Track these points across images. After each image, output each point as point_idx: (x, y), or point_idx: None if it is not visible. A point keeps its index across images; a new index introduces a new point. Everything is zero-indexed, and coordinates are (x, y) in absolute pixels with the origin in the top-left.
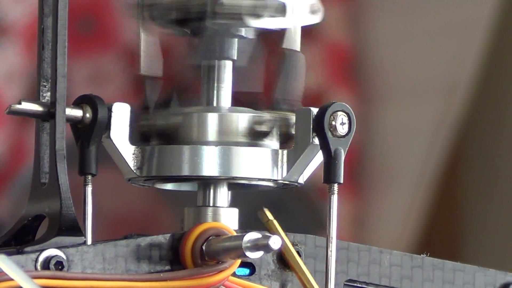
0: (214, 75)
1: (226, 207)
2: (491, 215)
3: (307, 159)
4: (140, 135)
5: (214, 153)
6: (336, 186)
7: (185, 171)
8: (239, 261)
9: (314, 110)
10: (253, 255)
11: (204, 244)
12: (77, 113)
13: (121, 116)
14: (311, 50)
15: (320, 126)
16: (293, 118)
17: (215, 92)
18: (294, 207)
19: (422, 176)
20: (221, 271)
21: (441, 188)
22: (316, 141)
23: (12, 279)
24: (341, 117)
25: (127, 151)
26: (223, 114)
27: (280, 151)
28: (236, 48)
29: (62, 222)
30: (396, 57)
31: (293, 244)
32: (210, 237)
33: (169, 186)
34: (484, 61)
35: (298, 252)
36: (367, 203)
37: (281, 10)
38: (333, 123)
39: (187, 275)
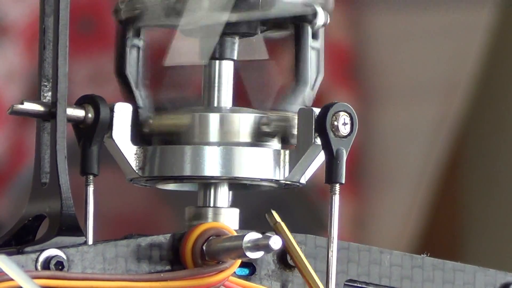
0: (214, 75)
1: (227, 207)
2: (491, 215)
3: (309, 159)
4: (142, 135)
5: (215, 153)
6: (338, 186)
7: (187, 171)
8: (239, 261)
9: (316, 110)
10: (254, 255)
11: (205, 244)
12: (79, 113)
13: (123, 116)
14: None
15: (322, 126)
16: (295, 118)
17: (216, 92)
18: (295, 207)
19: (422, 176)
20: (221, 271)
21: (441, 188)
22: (318, 141)
23: (12, 279)
24: (343, 117)
25: (129, 151)
26: (225, 114)
27: (282, 151)
28: (236, 47)
29: (62, 222)
30: (396, 57)
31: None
32: (211, 237)
33: (170, 187)
34: (484, 61)
35: None
36: (367, 203)
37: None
38: (335, 123)
39: (187, 275)
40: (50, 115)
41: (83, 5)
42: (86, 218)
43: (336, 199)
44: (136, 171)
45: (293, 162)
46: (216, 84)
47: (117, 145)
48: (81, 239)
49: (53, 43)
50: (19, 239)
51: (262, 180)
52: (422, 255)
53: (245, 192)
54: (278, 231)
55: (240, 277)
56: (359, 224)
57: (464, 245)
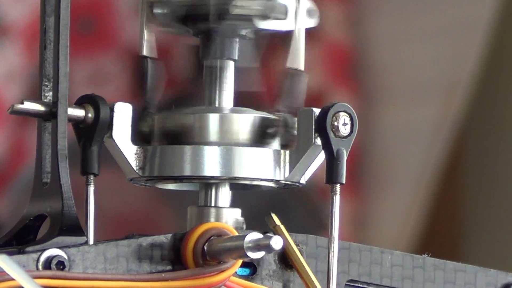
0: (216, 75)
1: (228, 207)
2: (492, 215)
3: (309, 159)
4: (142, 135)
5: (216, 153)
6: (338, 187)
7: (187, 171)
8: (240, 261)
9: (316, 111)
10: (255, 255)
11: (206, 244)
12: (79, 113)
13: (123, 116)
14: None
15: (322, 127)
16: (295, 118)
17: (217, 92)
18: (295, 207)
19: (422, 176)
20: (222, 271)
21: (442, 188)
22: (318, 141)
23: (13, 279)
24: (343, 118)
25: (129, 151)
26: (225, 114)
27: (282, 151)
28: (238, 48)
29: (63, 222)
30: (396, 57)
31: (295, 245)
32: (212, 237)
33: (171, 186)
34: (484, 61)
35: (299, 252)
36: (367, 203)
37: (285, 12)
38: (335, 123)
39: (188, 275)
40: (51, 114)
41: (83, 5)
42: (86, 218)
43: (337, 199)
44: (136, 171)
45: (293, 162)
46: (217, 84)
47: (117, 145)
48: (82, 239)
49: (54, 43)
50: (20, 239)
51: (262, 180)
52: (423, 255)
53: (245, 192)
54: (277, 234)
55: (241, 277)
56: (359, 224)
57: (465, 245)
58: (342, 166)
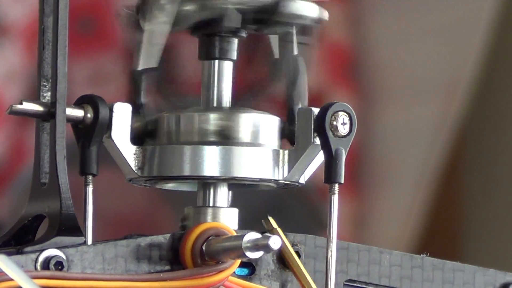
0: (214, 75)
1: (226, 207)
2: (491, 215)
3: (308, 159)
4: (141, 135)
5: (215, 153)
6: (337, 186)
7: (186, 171)
8: (239, 261)
9: (315, 110)
10: (253, 255)
11: (204, 244)
12: (78, 113)
13: (122, 116)
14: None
15: (321, 126)
16: (294, 117)
17: (215, 92)
18: (294, 207)
19: (422, 176)
20: (221, 271)
21: (441, 188)
22: (317, 141)
23: (12, 279)
24: (342, 117)
25: (128, 151)
26: (224, 114)
27: (281, 151)
28: (236, 48)
29: (62, 222)
30: (396, 57)
31: (293, 244)
32: (210, 237)
33: (170, 186)
34: (484, 61)
35: (297, 252)
36: (367, 203)
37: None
38: (334, 123)
39: (187, 275)
40: (49, 115)
41: (83, 5)
42: (85, 218)
43: (335, 199)
44: (135, 171)
45: (292, 162)
46: (216, 84)
47: (116, 145)
48: (80, 239)
49: (53, 43)
50: (18, 239)
51: (261, 180)
52: (421, 255)
53: (244, 192)
54: None
55: (240, 277)
56: (358, 224)
57: (464, 245)
58: (340, 165)
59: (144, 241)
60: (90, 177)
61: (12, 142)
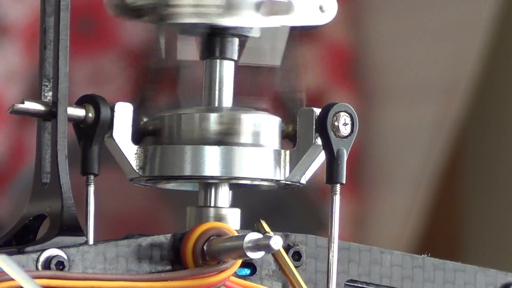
0: (215, 75)
1: (228, 207)
2: (491, 215)
3: (310, 159)
4: (142, 134)
5: (216, 153)
6: (338, 187)
7: (187, 171)
8: (240, 261)
9: (317, 111)
10: (254, 255)
11: (205, 244)
12: (79, 112)
13: (123, 116)
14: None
15: (322, 127)
16: (295, 118)
17: (216, 92)
18: (295, 207)
19: (422, 176)
20: (222, 271)
21: (442, 188)
22: (319, 141)
23: (13, 279)
24: (344, 118)
25: (130, 151)
26: (225, 114)
27: (282, 151)
28: (237, 47)
29: (63, 222)
30: (396, 57)
31: (294, 245)
32: (211, 237)
33: (171, 186)
34: (484, 61)
35: (298, 252)
36: (367, 203)
37: (286, 9)
38: (336, 123)
39: (188, 275)
40: (50, 114)
41: (83, 5)
42: (86, 218)
43: (337, 199)
44: (137, 171)
45: (293, 162)
46: (217, 84)
47: (117, 145)
48: (81, 239)
49: (54, 43)
50: (19, 239)
51: (262, 180)
52: (422, 255)
53: (244, 192)
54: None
55: (241, 277)
56: (359, 224)
57: (465, 245)
58: (342, 166)
59: (145, 241)
60: (92, 177)
61: (12, 142)
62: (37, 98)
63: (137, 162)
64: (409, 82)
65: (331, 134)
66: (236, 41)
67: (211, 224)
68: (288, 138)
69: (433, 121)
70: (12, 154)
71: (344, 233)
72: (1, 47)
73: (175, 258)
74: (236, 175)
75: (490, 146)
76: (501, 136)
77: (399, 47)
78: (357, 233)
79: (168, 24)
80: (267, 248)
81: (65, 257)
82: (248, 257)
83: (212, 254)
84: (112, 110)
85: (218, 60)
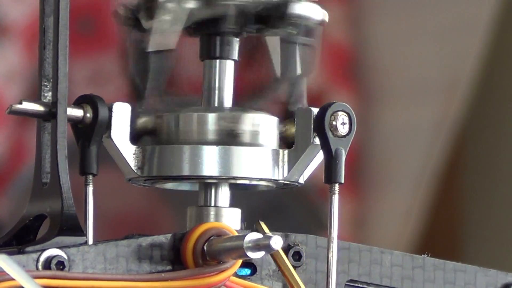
0: (215, 74)
1: (228, 207)
2: (491, 215)
3: (308, 159)
4: (140, 134)
5: (214, 153)
6: (337, 186)
7: (186, 171)
8: (240, 261)
9: (315, 110)
10: (255, 255)
11: (206, 244)
12: (77, 113)
13: (121, 116)
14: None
15: (320, 126)
16: (293, 118)
17: (216, 91)
18: (294, 207)
19: (422, 176)
20: (222, 271)
21: (442, 188)
22: (317, 141)
23: (13, 279)
24: (342, 117)
25: (128, 151)
26: (224, 114)
27: (280, 151)
28: (237, 48)
29: (63, 222)
30: (396, 57)
31: (294, 245)
32: (212, 237)
33: (169, 186)
34: (484, 61)
35: (299, 252)
36: (367, 203)
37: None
38: (334, 123)
39: (188, 275)
40: (50, 115)
41: (83, 5)
42: (86, 218)
43: (336, 199)
44: (135, 171)
45: (291, 162)
46: (216, 84)
47: (115, 145)
48: (82, 239)
49: (53, 43)
50: (20, 239)
51: (260, 180)
52: (423, 255)
53: (244, 192)
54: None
55: (241, 277)
56: (359, 224)
57: (464, 245)
58: (340, 165)
59: (145, 241)
60: (90, 177)
61: (12, 142)
62: (36, 98)
63: (135, 162)
64: (409, 82)
65: (329, 134)
66: (236, 41)
67: (211, 224)
68: (287, 138)
69: (433, 121)
70: (12, 154)
71: (344, 233)
72: (1, 47)
73: (175, 258)
74: (235, 175)
75: (490, 146)
76: (501, 136)
77: (399, 47)
78: (357, 233)
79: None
80: (267, 248)
81: (65, 257)
82: (248, 257)
83: (212, 254)
84: (110, 110)
85: (217, 60)
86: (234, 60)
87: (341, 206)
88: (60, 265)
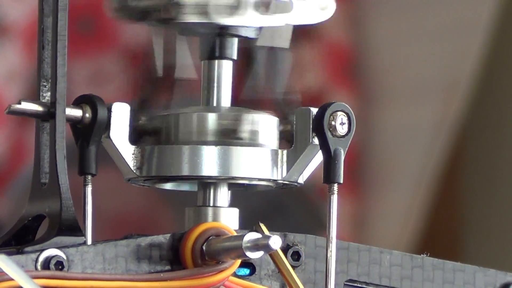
0: (214, 74)
1: (226, 207)
2: (491, 215)
3: (307, 159)
4: (139, 135)
5: (213, 153)
6: (336, 186)
7: (185, 171)
8: (239, 261)
9: (314, 110)
10: (253, 255)
11: (204, 244)
12: (76, 113)
13: (120, 116)
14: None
15: (319, 126)
16: (292, 118)
17: (215, 91)
18: (294, 207)
19: (422, 176)
20: (221, 271)
21: (441, 188)
22: (316, 141)
23: (12, 279)
24: (341, 117)
25: (127, 151)
26: (223, 113)
27: (279, 151)
28: (236, 47)
29: (62, 222)
30: (396, 57)
31: (293, 244)
32: (210, 237)
33: (168, 186)
34: (484, 61)
35: (298, 252)
36: (367, 203)
37: (285, 8)
38: (333, 123)
39: (187, 275)
40: (49, 115)
41: (82, 5)
42: (85, 218)
43: (334, 199)
44: (134, 171)
45: (291, 162)
46: (215, 84)
47: (114, 145)
48: (81, 239)
49: (52, 43)
50: (19, 239)
51: (260, 180)
52: (422, 255)
53: (244, 192)
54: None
55: (240, 277)
56: (359, 224)
57: (464, 245)
58: (339, 165)
59: (144, 241)
60: (89, 177)
61: (12, 142)
62: (35, 98)
63: (134, 162)
64: (409, 82)
65: (328, 134)
66: (235, 41)
67: (210, 224)
68: (286, 137)
69: (433, 121)
70: (12, 154)
71: (344, 233)
72: (1, 47)
73: (174, 258)
74: (234, 175)
75: (490, 146)
76: (501, 136)
77: (399, 47)
78: (357, 233)
79: (171, 26)
80: (266, 248)
81: (64, 257)
82: (247, 257)
83: (211, 254)
84: (109, 110)
85: (216, 60)
86: (233, 60)
87: (340, 206)
88: (59, 265)
